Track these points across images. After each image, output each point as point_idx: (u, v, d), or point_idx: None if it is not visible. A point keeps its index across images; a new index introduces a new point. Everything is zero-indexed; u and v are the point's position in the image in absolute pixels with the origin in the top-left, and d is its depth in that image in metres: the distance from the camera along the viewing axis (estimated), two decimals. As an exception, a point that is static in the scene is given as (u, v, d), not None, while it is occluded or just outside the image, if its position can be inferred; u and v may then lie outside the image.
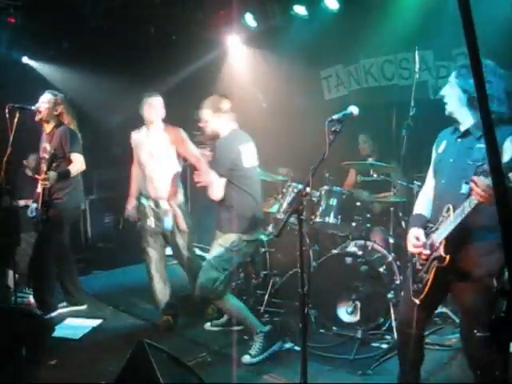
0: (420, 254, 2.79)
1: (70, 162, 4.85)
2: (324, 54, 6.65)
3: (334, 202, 4.73)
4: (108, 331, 4.74)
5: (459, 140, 2.82)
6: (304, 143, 5.83)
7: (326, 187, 4.79)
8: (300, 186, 4.83)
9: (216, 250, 4.06)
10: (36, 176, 4.90)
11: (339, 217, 4.71)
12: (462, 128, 2.81)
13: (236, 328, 4.57)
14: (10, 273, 5.33)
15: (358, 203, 4.74)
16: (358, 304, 4.34)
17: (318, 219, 4.70)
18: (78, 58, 6.59)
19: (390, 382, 3.39)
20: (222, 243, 4.02)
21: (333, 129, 2.82)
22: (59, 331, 4.72)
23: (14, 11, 6.17)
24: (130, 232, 7.25)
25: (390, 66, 6.26)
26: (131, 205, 4.85)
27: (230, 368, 4.04)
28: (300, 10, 6.11)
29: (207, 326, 4.72)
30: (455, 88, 2.78)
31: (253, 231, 4.08)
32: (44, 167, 4.70)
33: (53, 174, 4.63)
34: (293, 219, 3.30)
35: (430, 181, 3.04)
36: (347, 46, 6.36)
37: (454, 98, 2.80)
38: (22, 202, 6.06)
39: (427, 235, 2.80)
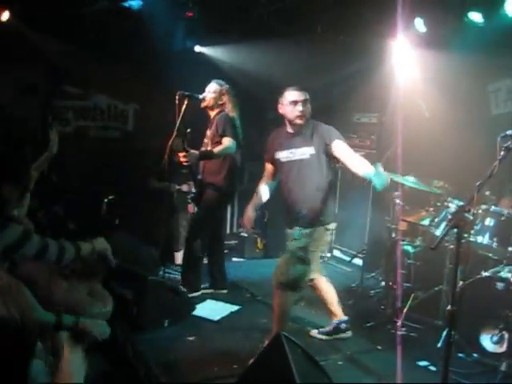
0: None
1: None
2: (495, 66, 6.26)
3: (491, 222, 4.45)
4: (245, 318, 4.89)
5: None
6: (463, 157, 5.55)
7: (484, 206, 4.52)
8: (456, 201, 4.62)
9: None
10: (178, 153, 4.89)
11: (495, 239, 4.42)
12: None
13: (344, 335, 4.50)
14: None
15: (518, 227, 4.41)
16: (506, 334, 4.04)
17: (471, 238, 4.46)
18: (246, 53, 6.83)
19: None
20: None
21: (505, 145, 2.67)
22: (199, 311, 4.96)
23: (192, 5, 6.56)
24: (274, 226, 7.43)
25: None
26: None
27: (358, 374, 4.01)
28: (476, 16, 5.78)
29: (314, 332, 4.57)
30: None
31: None
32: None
33: (194, 154, 4.77)
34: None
35: None
36: (523, 58, 5.93)
37: None
38: (176, 186, 6.35)
39: None
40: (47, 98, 6.57)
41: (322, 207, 3.99)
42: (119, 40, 6.42)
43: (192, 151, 4.75)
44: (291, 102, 3.99)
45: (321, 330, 4.53)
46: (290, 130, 4.13)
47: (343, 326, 4.50)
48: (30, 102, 6.29)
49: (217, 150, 4.94)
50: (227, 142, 4.96)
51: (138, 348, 3.81)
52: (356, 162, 3.91)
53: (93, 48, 6.37)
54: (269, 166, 4.39)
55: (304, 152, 4.01)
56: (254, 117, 7.35)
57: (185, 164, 4.79)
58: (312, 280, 4.33)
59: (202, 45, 7.07)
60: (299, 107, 3.96)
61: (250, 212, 4.34)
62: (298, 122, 4.02)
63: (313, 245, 4.00)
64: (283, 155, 4.13)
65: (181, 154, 4.72)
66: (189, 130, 4.70)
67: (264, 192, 4.39)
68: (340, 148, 3.96)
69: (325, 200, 4.00)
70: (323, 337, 4.49)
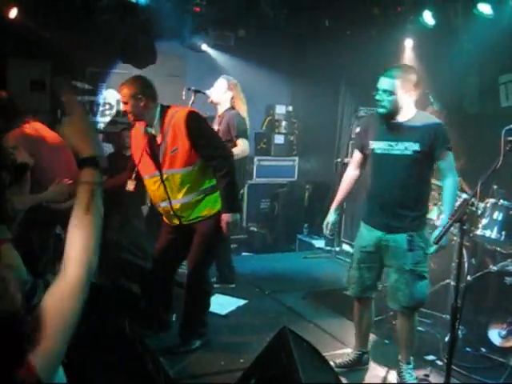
0: None
1: (235, 145, 5.03)
2: (505, 57, 6.20)
3: (499, 216, 4.41)
4: (252, 312, 4.91)
5: None
6: (473, 151, 5.51)
7: (492, 200, 4.48)
8: (464, 196, 4.59)
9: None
10: None
11: (503, 233, 4.38)
12: None
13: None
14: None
15: (527, 221, 4.37)
16: (514, 329, 4.03)
17: (479, 232, 4.43)
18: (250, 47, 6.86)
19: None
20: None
21: (510, 138, 2.63)
22: (208, 305, 4.99)
23: (200, 0, 6.55)
24: (283, 220, 7.45)
25: None
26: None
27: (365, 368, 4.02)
28: (485, 8, 5.73)
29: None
30: None
31: None
32: None
33: None
34: (452, 228, 3.13)
35: None
36: (534, 49, 5.87)
37: None
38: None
39: None
40: (56, 93, 6.60)
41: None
42: (127, 35, 6.43)
43: None
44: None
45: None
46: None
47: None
48: (39, 98, 6.33)
49: (236, 152, 4.90)
50: (243, 144, 5.07)
51: (145, 342, 3.83)
52: None
53: (101, 44, 6.39)
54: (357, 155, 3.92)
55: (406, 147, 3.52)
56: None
57: None
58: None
59: (208, 44, 7.01)
60: None
61: (332, 215, 3.93)
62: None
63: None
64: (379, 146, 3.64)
65: None
66: None
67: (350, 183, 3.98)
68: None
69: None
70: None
